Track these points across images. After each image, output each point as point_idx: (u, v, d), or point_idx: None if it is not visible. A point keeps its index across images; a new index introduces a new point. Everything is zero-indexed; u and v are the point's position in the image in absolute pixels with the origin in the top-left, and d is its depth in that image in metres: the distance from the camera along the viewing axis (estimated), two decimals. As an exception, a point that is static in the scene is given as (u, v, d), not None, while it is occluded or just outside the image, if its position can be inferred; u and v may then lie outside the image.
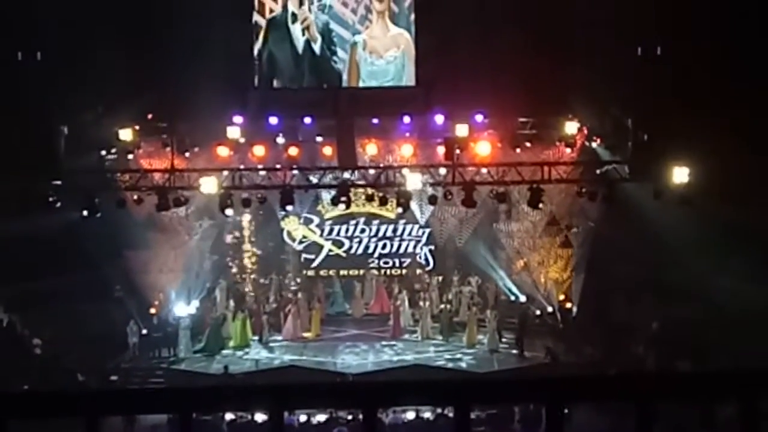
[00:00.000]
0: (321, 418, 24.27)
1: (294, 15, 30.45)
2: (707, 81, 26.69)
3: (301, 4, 30.41)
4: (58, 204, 28.65)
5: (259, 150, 31.33)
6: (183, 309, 33.36)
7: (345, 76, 31.05)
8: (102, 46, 28.02)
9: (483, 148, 29.92)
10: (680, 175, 26.90)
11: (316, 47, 30.43)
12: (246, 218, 35.91)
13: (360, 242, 37.28)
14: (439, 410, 23.58)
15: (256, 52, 31.24)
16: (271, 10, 30.61)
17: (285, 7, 30.45)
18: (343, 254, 37.37)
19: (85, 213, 28.51)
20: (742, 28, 26.66)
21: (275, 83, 31.29)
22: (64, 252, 30.28)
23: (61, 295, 30.07)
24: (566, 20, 29.01)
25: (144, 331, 31.88)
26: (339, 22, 30.75)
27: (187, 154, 31.30)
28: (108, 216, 29.79)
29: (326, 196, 34.24)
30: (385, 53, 30.89)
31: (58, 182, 28.77)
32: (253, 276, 36.86)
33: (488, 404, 14.23)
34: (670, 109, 27.72)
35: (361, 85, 31.09)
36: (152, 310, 33.15)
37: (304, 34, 30.45)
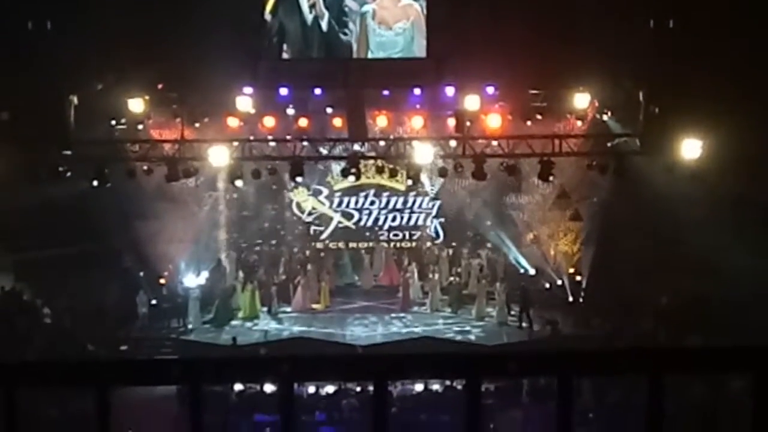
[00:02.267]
0: (329, 389, 24.35)
1: (302, -15, 30.21)
2: (720, 54, 26.53)
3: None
4: (68, 174, 28.70)
5: (269, 121, 31.32)
6: (192, 280, 33.49)
7: (354, 47, 30.84)
8: (112, 15, 27.95)
9: (493, 121, 29.87)
10: (692, 148, 26.71)
11: (323, 23, 30.19)
12: (255, 189, 35.79)
13: (369, 214, 37.25)
14: (447, 382, 23.61)
15: (266, 22, 31.09)
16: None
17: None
18: (353, 226, 37.36)
19: (94, 183, 28.56)
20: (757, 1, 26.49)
21: (284, 54, 31.08)
22: (73, 222, 30.36)
23: (70, 265, 30.16)
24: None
25: (153, 302, 31.98)
26: (347, -8, 30.54)
27: (197, 125, 31.28)
28: (118, 186, 29.86)
29: (336, 167, 34.25)
30: (394, 24, 30.68)
31: (68, 152, 28.77)
32: (262, 247, 36.87)
33: (500, 377, 14.19)
34: (682, 83, 27.56)
35: (369, 56, 30.87)
36: (162, 281, 33.23)
37: (311, 11, 30.23)
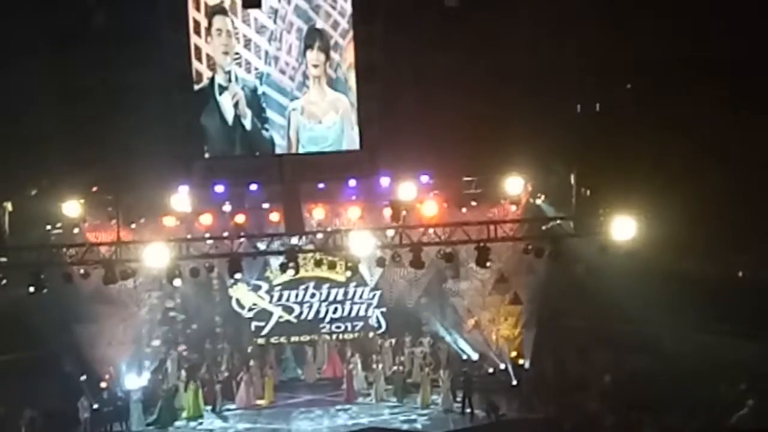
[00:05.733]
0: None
1: (221, 87, 30.17)
2: (645, 133, 27.17)
3: (229, 79, 30.09)
4: (4, 281, 28.31)
5: (206, 219, 31.31)
6: (134, 381, 33.01)
7: (284, 142, 30.75)
8: (43, 120, 27.94)
9: (429, 209, 30.08)
10: (624, 228, 26.92)
11: (247, 122, 30.18)
12: (195, 287, 35.52)
13: (311, 307, 37.12)
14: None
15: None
16: (208, 79, 30.34)
17: (212, 79, 30.14)
18: (294, 320, 37.19)
19: (31, 289, 28.10)
20: (678, 85, 27.19)
21: (206, 153, 30.84)
22: (11, 329, 29.95)
23: (10, 373, 29.68)
24: (507, 79, 29.39)
25: (95, 406, 31.41)
26: (277, 89, 30.58)
27: (133, 226, 31.15)
28: (55, 291, 29.46)
29: (274, 262, 34.17)
30: (323, 118, 30.82)
31: (4, 259, 28.47)
32: (204, 345, 36.53)
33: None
34: (611, 164, 28.11)
35: (301, 150, 30.92)
36: (103, 384, 32.66)
37: (234, 109, 30.21)
